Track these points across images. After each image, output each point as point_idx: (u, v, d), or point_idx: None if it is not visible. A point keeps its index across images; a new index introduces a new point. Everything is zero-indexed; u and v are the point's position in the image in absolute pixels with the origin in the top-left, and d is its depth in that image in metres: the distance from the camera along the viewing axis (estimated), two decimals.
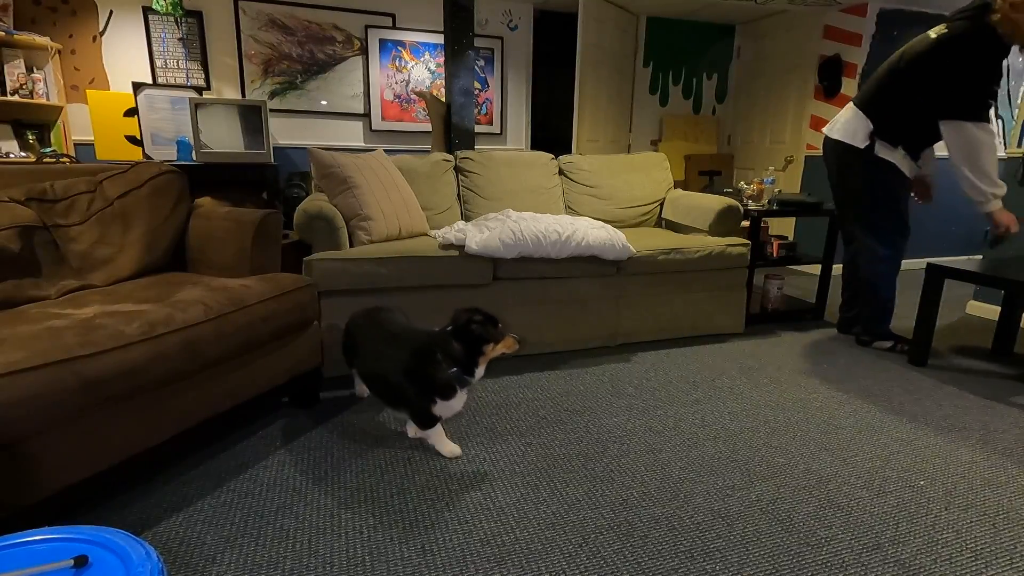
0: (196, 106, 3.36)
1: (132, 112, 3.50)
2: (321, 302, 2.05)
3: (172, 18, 3.63)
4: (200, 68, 3.75)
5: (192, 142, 3.40)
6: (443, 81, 4.22)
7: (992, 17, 2.04)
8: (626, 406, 2.00)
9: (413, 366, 1.57)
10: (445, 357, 1.54)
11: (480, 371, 1.58)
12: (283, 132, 4.02)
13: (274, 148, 3.85)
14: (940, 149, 4.36)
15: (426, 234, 2.55)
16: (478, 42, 4.17)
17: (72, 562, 0.75)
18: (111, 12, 3.54)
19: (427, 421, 1.62)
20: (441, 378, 1.54)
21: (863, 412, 1.99)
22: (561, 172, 3.05)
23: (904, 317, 3.18)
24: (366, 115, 4.18)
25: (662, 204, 3.15)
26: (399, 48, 4.14)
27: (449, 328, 1.58)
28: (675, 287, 2.59)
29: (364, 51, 4.07)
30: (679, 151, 4.87)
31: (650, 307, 2.58)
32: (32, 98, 3.31)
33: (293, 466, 1.60)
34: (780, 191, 3.18)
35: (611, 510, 1.42)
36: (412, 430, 1.76)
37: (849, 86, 4.06)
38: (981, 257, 3.18)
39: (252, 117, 3.51)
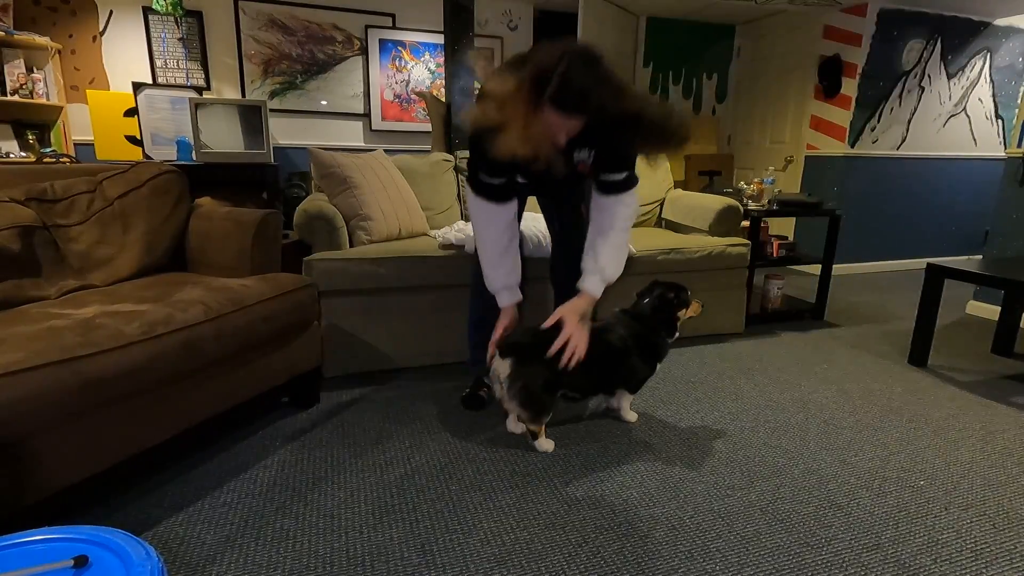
0: (196, 106, 3.36)
1: (132, 112, 3.50)
2: (321, 302, 2.05)
3: (172, 18, 3.63)
4: (200, 68, 3.75)
5: (192, 142, 3.40)
6: (443, 81, 4.21)
7: None
8: None
9: (650, 341, 1.79)
10: (663, 328, 1.81)
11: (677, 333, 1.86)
12: (283, 132, 4.02)
13: (274, 148, 3.85)
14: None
15: (426, 234, 2.54)
16: (478, 42, 4.17)
17: (72, 562, 0.75)
18: (111, 12, 3.54)
19: (641, 385, 1.87)
20: (667, 346, 1.83)
21: (863, 412, 1.99)
22: None
23: (904, 317, 3.18)
24: (366, 115, 4.18)
25: (662, 204, 3.15)
26: (399, 48, 4.14)
27: (646, 301, 1.81)
28: None
29: (364, 51, 4.07)
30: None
31: None
32: (32, 98, 3.31)
33: (293, 466, 1.60)
34: (780, 191, 3.18)
35: (611, 510, 1.42)
36: (632, 415, 1.91)
37: (849, 86, 4.06)
38: (981, 257, 3.18)
39: (252, 117, 3.51)
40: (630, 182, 1.69)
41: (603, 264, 1.66)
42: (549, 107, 1.35)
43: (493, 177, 1.66)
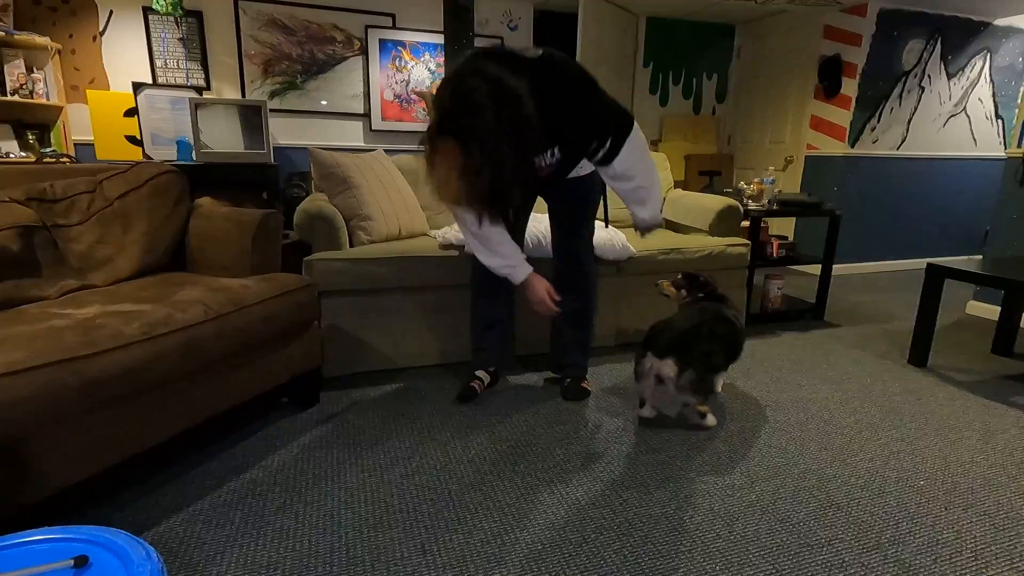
0: (196, 106, 3.36)
1: (132, 112, 3.50)
2: (321, 302, 2.05)
3: (172, 18, 3.63)
4: (200, 68, 3.75)
5: (192, 142, 3.40)
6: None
7: None
8: (626, 406, 2.00)
9: (738, 319, 1.96)
10: None
11: None
12: (283, 132, 4.02)
13: (274, 148, 3.85)
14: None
15: (426, 234, 2.54)
16: (478, 42, 4.16)
17: (72, 562, 0.75)
18: (111, 12, 3.54)
19: None
20: None
21: (863, 412, 1.99)
22: None
23: (904, 317, 3.18)
24: (366, 115, 4.18)
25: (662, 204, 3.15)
26: (399, 48, 4.14)
27: (716, 289, 2.04)
28: None
29: (364, 51, 4.07)
30: (679, 151, 4.86)
31: (650, 307, 2.58)
32: (32, 98, 3.31)
33: (293, 466, 1.60)
34: (780, 191, 3.18)
35: (611, 510, 1.42)
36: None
37: (849, 86, 4.06)
38: (981, 257, 3.18)
39: (252, 117, 3.51)
40: (617, 142, 1.61)
41: (642, 214, 1.80)
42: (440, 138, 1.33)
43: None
